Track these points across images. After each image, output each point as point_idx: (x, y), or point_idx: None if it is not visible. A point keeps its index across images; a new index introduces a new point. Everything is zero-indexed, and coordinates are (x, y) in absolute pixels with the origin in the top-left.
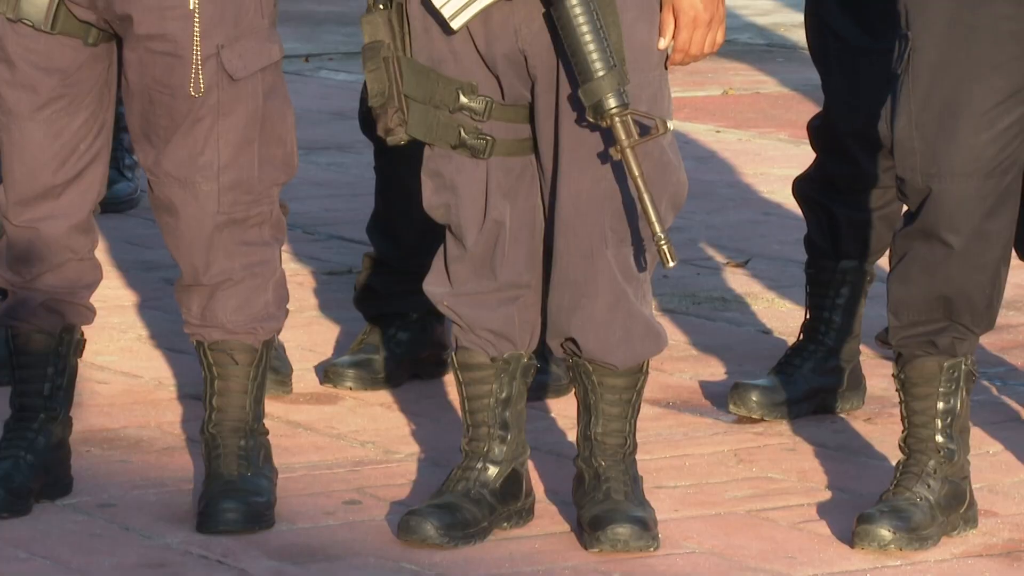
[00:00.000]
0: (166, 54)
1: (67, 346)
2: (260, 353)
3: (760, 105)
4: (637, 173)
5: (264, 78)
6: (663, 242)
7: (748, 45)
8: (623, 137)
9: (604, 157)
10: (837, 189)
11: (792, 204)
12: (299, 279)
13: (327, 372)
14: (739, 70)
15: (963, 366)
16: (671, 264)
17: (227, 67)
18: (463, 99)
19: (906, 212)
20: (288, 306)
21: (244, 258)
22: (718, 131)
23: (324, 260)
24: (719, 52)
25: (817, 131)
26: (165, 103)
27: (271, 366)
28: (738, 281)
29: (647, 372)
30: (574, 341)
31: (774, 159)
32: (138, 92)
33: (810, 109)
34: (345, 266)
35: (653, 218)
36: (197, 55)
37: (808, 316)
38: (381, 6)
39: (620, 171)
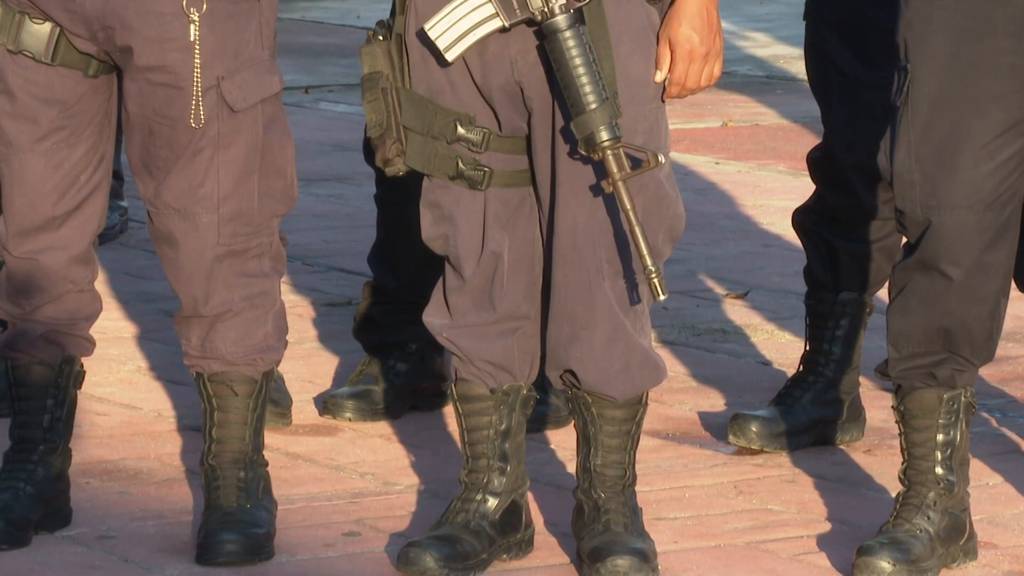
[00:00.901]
0: (166, 85)
1: (67, 378)
2: (260, 384)
3: (759, 137)
4: (629, 206)
5: (264, 109)
6: (654, 275)
7: (747, 77)
8: (615, 170)
9: (599, 189)
10: (837, 221)
11: (792, 236)
12: (298, 310)
13: (326, 403)
14: (738, 102)
15: (963, 398)
16: (661, 298)
17: (227, 98)
18: (461, 130)
19: (905, 244)
20: (288, 337)
21: (244, 289)
22: (717, 163)
23: (323, 291)
24: (718, 84)
25: (817, 163)
26: (165, 134)
27: (271, 397)
28: (738, 312)
29: (646, 404)
30: (573, 373)
31: (774, 191)
32: (138, 123)
33: (810, 141)
34: (344, 297)
35: (644, 251)
36: (197, 86)
37: (808, 347)
38: (380, 37)
39: (615, 204)
